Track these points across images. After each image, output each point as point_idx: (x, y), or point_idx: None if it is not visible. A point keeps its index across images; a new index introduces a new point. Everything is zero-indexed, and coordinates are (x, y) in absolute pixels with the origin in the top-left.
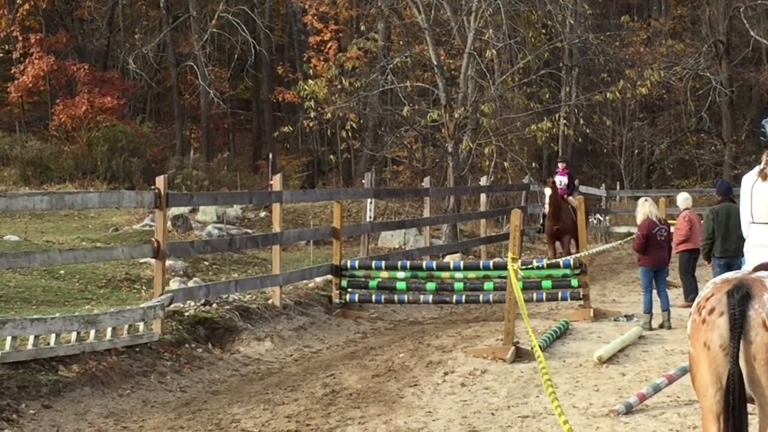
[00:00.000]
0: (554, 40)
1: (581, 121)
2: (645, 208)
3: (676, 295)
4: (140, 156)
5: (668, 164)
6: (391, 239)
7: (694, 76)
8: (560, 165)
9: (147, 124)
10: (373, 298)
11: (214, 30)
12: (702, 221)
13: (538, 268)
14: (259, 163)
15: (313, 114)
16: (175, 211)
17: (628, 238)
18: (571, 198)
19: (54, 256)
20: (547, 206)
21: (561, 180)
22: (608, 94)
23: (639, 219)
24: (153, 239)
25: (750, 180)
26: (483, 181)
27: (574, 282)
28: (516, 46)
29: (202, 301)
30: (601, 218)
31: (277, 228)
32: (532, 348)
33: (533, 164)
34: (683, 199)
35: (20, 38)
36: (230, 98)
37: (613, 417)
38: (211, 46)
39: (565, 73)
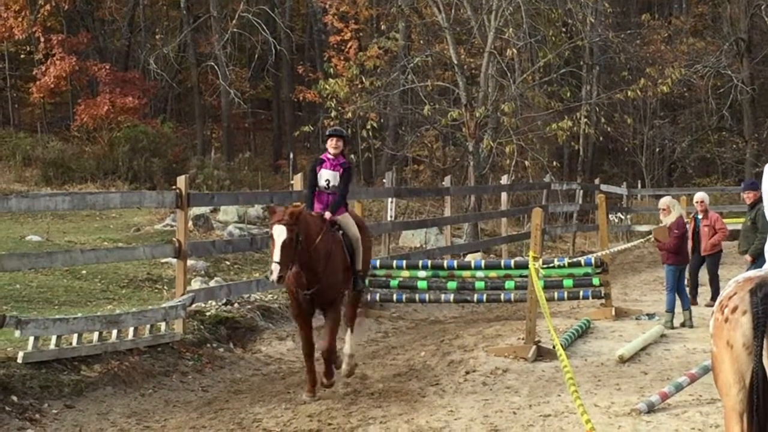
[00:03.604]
0: (575, 38)
1: (602, 120)
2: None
3: (698, 292)
4: (161, 156)
5: (689, 162)
6: (412, 238)
7: (715, 74)
8: (330, 143)
9: (168, 125)
10: (395, 297)
11: (235, 30)
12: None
13: (559, 266)
14: (279, 162)
15: (333, 113)
16: (196, 211)
17: (649, 236)
18: (345, 215)
19: (76, 256)
20: (277, 257)
21: (328, 178)
22: (629, 93)
23: (674, 217)
24: (174, 239)
25: None
26: (504, 180)
27: (596, 281)
28: (536, 45)
29: (224, 301)
30: (623, 217)
31: None
32: (553, 347)
33: (554, 163)
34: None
35: (42, 39)
36: (251, 98)
37: (635, 416)
38: (231, 46)
39: (585, 71)
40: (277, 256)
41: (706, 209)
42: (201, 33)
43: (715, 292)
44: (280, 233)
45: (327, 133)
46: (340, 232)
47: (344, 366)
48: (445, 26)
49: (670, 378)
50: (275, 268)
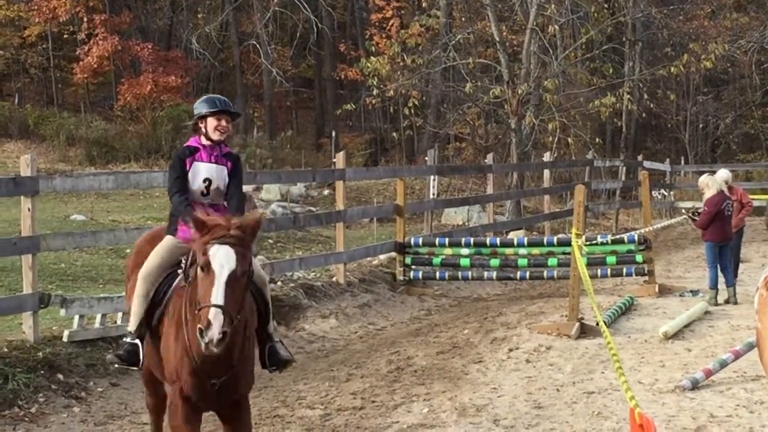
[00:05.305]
0: (617, 14)
1: (645, 96)
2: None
3: (741, 269)
4: None
5: (733, 138)
6: (454, 216)
7: (759, 49)
8: (216, 124)
9: None
10: (437, 275)
11: (276, 9)
12: None
13: (602, 243)
14: (322, 141)
15: (375, 91)
16: None
17: (685, 213)
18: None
19: (120, 235)
20: (219, 298)
21: (209, 177)
22: (672, 69)
23: (711, 193)
24: None
25: None
26: (546, 157)
27: (639, 257)
28: (579, 21)
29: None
30: (666, 193)
31: (340, 206)
32: (597, 324)
33: (597, 140)
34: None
35: (85, 19)
36: (293, 76)
37: (679, 393)
38: (273, 24)
39: (628, 47)
40: (219, 296)
41: (729, 186)
42: (243, 12)
43: (736, 266)
44: (226, 260)
45: (209, 109)
46: None
47: None
48: (486, 3)
49: (715, 355)
50: (217, 320)
